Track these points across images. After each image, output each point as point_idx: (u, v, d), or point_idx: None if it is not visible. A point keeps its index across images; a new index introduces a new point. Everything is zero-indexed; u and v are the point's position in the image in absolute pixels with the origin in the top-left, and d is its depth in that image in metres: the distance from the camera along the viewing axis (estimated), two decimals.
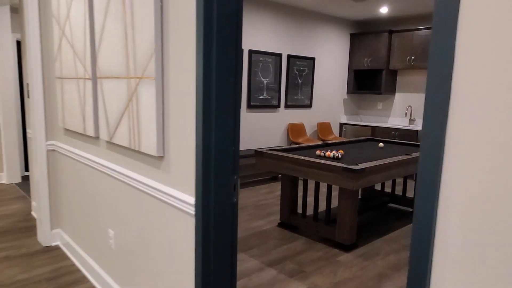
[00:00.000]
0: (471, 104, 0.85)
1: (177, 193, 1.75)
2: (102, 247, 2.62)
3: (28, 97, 3.78)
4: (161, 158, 1.86)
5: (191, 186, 1.68)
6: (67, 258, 3.13)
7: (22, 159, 5.82)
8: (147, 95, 1.83)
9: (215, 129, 1.59)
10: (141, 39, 1.83)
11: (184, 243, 1.76)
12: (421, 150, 0.95)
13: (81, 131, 2.63)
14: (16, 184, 5.43)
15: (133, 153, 2.10)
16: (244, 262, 3.13)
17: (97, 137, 2.51)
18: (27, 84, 3.83)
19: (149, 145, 1.86)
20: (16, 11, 5.46)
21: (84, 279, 2.79)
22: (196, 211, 1.64)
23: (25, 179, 5.64)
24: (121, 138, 2.11)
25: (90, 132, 2.49)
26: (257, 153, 3.84)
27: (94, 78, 2.38)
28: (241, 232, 3.80)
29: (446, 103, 0.89)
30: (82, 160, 2.75)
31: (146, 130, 1.87)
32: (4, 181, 5.47)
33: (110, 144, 2.34)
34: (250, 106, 6.02)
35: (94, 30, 2.33)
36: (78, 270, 2.91)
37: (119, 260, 2.41)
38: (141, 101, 1.89)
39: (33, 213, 4.19)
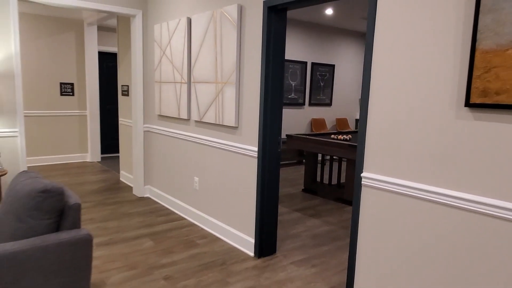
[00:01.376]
0: (379, 87, 2.21)
1: (246, 146, 3.17)
2: (188, 190, 4.08)
3: (127, 95, 5.31)
4: (236, 128, 3.29)
5: (255, 141, 3.09)
6: (157, 203, 4.60)
7: (99, 143, 7.42)
8: (229, 92, 3.26)
9: (269, 111, 3.00)
10: (227, 61, 3.26)
11: (250, 174, 3.18)
12: (360, 111, 2.31)
13: (175, 116, 4.09)
14: (98, 162, 7.02)
15: (217, 126, 3.54)
16: (278, 208, 4.52)
17: (188, 119, 3.96)
18: (123, 85, 5.35)
19: (230, 120, 3.29)
20: (101, 28, 7.06)
21: (172, 212, 4.24)
22: (258, 155, 3.06)
23: (103, 159, 7.23)
24: (209, 118, 3.56)
25: (184, 116, 3.95)
26: (288, 136, 5.23)
27: (189, 83, 3.84)
28: None
29: (367, 89, 2.25)
30: (172, 135, 4.22)
31: (228, 111, 3.30)
32: (88, 160, 7.08)
33: (199, 122, 3.79)
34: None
35: (191, 53, 3.79)
36: (167, 208, 4.38)
37: (201, 196, 3.85)
38: (225, 96, 3.32)
39: (121, 179, 5.72)
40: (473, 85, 1.79)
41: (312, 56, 7.77)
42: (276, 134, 3.10)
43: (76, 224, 1.99)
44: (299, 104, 7.71)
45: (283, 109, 7.52)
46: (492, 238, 1.77)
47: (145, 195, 4.91)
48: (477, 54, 1.77)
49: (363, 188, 2.32)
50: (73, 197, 2.03)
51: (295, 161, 7.54)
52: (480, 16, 1.75)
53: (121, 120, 5.55)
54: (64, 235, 1.89)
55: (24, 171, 2.22)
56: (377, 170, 2.24)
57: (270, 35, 2.95)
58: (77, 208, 1.99)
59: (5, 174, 3.58)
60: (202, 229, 3.78)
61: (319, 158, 6.85)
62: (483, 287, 1.81)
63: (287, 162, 7.46)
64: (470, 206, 1.82)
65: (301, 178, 6.13)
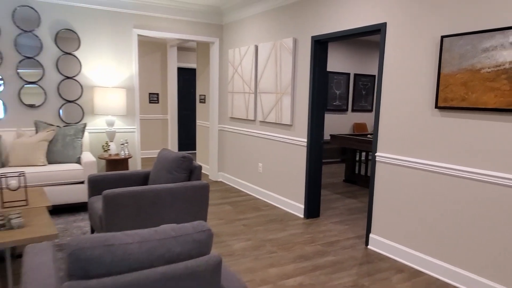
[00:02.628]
0: (386, 102, 3.41)
1: (298, 138, 4.45)
2: (253, 173, 5.41)
3: (204, 102, 6.79)
4: (291, 125, 4.58)
5: (304, 135, 4.36)
6: (228, 184, 5.98)
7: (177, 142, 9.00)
8: (286, 100, 4.57)
9: (315, 113, 4.26)
10: (284, 77, 4.57)
11: (301, 159, 4.45)
12: (375, 115, 3.51)
13: (244, 117, 5.46)
14: None
15: (276, 124, 4.85)
16: (322, 193, 5.72)
17: (254, 120, 5.31)
18: (201, 95, 6.84)
19: (286, 120, 4.59)
20: (180, 49, 8.68)
21: (241, 190, 5.58)
22: (306, 145, 4.33)
23: None
24: (271, 118, 4.88)
25: (251, 117, 5.30)
26: (332, 136, 6.43)
27: (256, 93, 5.20)
28: (322, 180, 6.38)
29: (379, 100, 3.45)
30: (241, 132, 5.59)
31: (285, 113, 4.60)
32: None
33: (263, 122, 5.12)
34: (326, 110, 8.60)
35: (257, 71, 5.15)
36: (236, 188, 5.73)
37: (264, 177, 5.17)
38: (283, 102, 4.63)
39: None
40: (439, 95, 2.95)
41: (355, 68, 8.88)
42: (319, 129, 4.35)
43: (199, 177, 3.38)
44: (342, 110, 8.85)
45: (328, 114, 8.71)
46: (447, 188, 2.91)
47: (219, 180, 6.32)
48: (441, 76, 2.94)
49: (377, 163, 3.52)
50: (196, 163, 3.43)
51: (339, 159, 8.68)
52: (442, 53, 2.91)
53: (199, 122, 7.04)
54: (194, 183, 3.27)
55: (164, 148, 3.65)
56: (384, 150, 3.43)
57: (316, 60, 4.22)
58: (200, 168, 3.38)
59: (131, 157, 5.13)
60: (265, 200, 5.09)
61: (359, 156, 7.94)
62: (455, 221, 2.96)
63: (331, 160, 8.62)
64: (437, 169, 2.98)
65: (343, 172, 7.27)
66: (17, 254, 3.18)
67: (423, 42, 3.07)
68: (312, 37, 4.21)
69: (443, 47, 2.91)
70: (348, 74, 8.81)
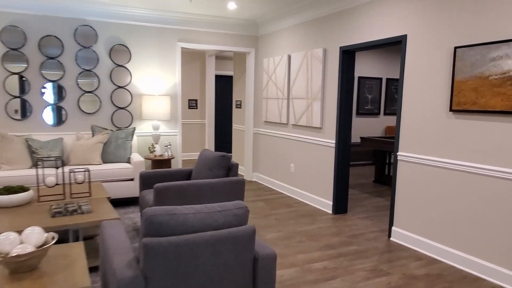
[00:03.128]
0: (408, 103, 3.71)
1: (327, 140, 4.81)
2: (286, 173, 5.81)
3: (240, 107, 7.27)
4: (320, 128, 4.95)
5: (333, 137, 4.72)
6: (262, 184, 6.40)
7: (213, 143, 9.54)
8: (316, 105, 4.94)
9: (343, 117, 4.61)
10: (315, 84, 4.95)
11: (330, 159, 4.80)
12: (397, 116, 3.81)
13: (277, 121, 5.87)
14: None
15: (307, 127, 5.23)
16: (350, 193, 6.02)
17: (286, 123, 5.71)
18: (237, 101, 7.33)
19: (316, 123, 4.96)
20: (217, 57, 9.24)
21: (274, 189, 5.98)
22: (335, 146, 4.68)
23: None
24: (302, 122, 5.26)
25: (284, 121, 5.71)
26: (362, 138, 6.71)
27: (288, 98, 5.61)
28: (350, 180, 6.68)
29: (401, 103, 3.76)
30: (274, 135, 6.00)
31: (315, 117, 4.98)
32: None
33: (295, 125, 5.51)
34: (358, 114, 8.86)
35: (290, 78, 5.56)
36: (270, 187, 6.14)
37: (295, 177, 5.55)
38: (314, 107, 5.01)
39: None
40: (453, 99, 3.24)
41: (387, 73, 9.08)
42: (347, 131, 4.69)
43: (236, 174, 3.83)
44: (374, 113, 9.07)
45: (360, 118, 8.96)
46: (461, 183, 3.19)
47: (253, 179, 6.76)
48: (455, 82, 3.22)
49: (398, 162, 3.82)
50: (234, 161, 3.87)
51: (370, 161, 8.89)
52: (455, 62, 3.21)
53: (235, 126, 7.53)
54: (232, 178, 3.72)
55: (204, 148, 4.13)
56: (405, 150, 3.73)
57: (343, 68, 4.58)
58: (236, 166, 3.83)
59: (173, 158, 5.67)
60: (296, 198, 5.47)
61: (388, 158, 8.13)
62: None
63: (363, 162, 8.85)
64: (452, 167, 3.26)
65: (373, 173, 7.50)
66: (84, 236, 3.75)
67: (439, 52, 3.37)
68: (340, 47, 4.57)
69: (456, 57, 3.20)
70: (380, 79, 9.03)
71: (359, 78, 8.78)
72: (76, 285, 1.61)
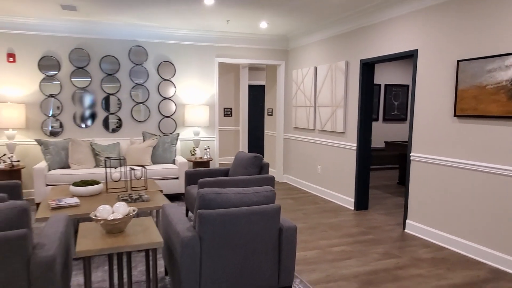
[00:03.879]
0: (419, 107, 4.20)
1: (350, 143, 5.34)
2: (313, 174, 6.36)
3: (271, 115, 7.91)
4: (343, 133, 5.48)
5: (354, 140, 5.24)
6: (291, 184, 6.97)
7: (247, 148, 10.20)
8: (340, 111, 5.49)
9: (363, 122, 5.13)
10: (338, 93, 5.51)
11: (352, 160, 5.33)
12: (409, 115, 4.30)
13: (305, 127, 6.45)
14: None
15: (332, 132, 5.77)
16: (373, 193, 6.47)
17: (313, 129, 6.28)
18: (269, 108, 7.96)
19: (340, 128, 5.50)
20: (250, 68, 9.94)
21: (302, 189, 6.54)
22: (356, 148, 5.20)
23: None
24: (327, 127, 5.82)
25: (311, 127, 6.28)
26: (386, 143, 7.15)
27: (315, 106, 6.18)
28: (375, 182, 7.12)
29: (413, 108, 4.25)
30: (303, 140, 6.57)
31: (339, 123, 5.52)
32: None
33: (321, 130, 6.07)
34: (385, 120, 9.26)
35: (316, 88, 6.13)
36: (298, 187, 6.70)
37: (322, 177, 6.09)
38: (337, 114, 5.55)
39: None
40: (457, 106, 3.71)
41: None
42: (367, 135, 5.19)
43: (267, 172, 4.45)
44: (401, 119, 9.43)
45: (387, 123, 9.35)
46: (465, 179, 3.64)
47: (283, 180, 7.35)
48: (458, 91, 3.70)
49: (411, 162, 4.31)
50: (265, 161, 4.49)
51: (397, 165, 9.25)
52: (458, 73, 3.69)
53: (267, 132, 8.16)
54: (263, 175, 4.34)
55: (240, 151, 4.78)
56: (417, 151, 4.22)
57: (364, 78, 5.11)
58: (267, 165, 4.45)
59: (211, 160, 6.37)
60: (322, 196, 6.01)
61: None
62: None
63: (388, 165, 9.22)
64: (457, 165, 3.73)
65: (397, 177, 7.89)
66: None
67: (445, 65, 3.86)
68: (361, 60, 5.11)
69: (459, 69, 3.68)
70: (407, 86, 9.40)
71: (386, 85, 9.19)
72: (153, 241, 2.27)
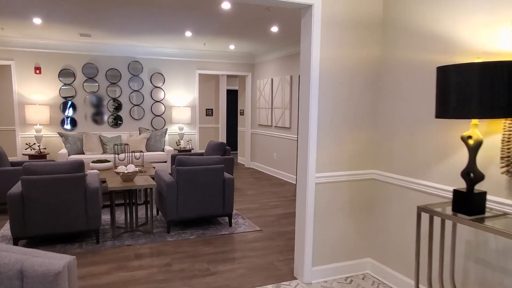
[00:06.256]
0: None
1: (293, 135, 7.24)
2: (271, 160, 8.23)
3: (242, 114, 9.77)
4: (289, 128, 7.38)
5: (295, 133, 7.15)
6: (256, 169, 8.83)
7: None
8: (287, 112, 7.38)
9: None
10: (286, 98, 7.40)
11: (294, 148, 7.23)
12: None
13: (265, 123, 8.32)
14: None
15: (282, 128, 7.66)
16: None
17: (271, 125, 8.15)
18: (241, 109, 9.84)
19: (287, 124, 7.40)
20: (229, 76, 11.79)
21: (263, 172, 8.41)
22: (297, 139, 7.11)
23: None
24: (280, 124, 7.71)
25: (269, 123, 8.16)
26: None
27: (271, 107, 8.07)
28: None
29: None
30: (263, 134, 8.44)
31: (287, 121, 7.41)
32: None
33: (276, 126, 7.95)
34: None
35: (272, 93, 8.02)
36: (261, 171, 8.56)
37: (277, 162, 7.98)
38: (285, 114, 7.45)
39: (238, 161, 10.15)
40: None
41: None
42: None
43: (229, 154, 6.32)
44: None
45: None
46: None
47: (251, 166, 9.23)
48: None
49: None
50: (227, 147, 6.37)
51: None
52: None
53: (239, 128, 10.02)
54: (225, 156, 6.20)
55: (211, 140, 6.65)
56: None
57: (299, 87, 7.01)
58: (229, 150, 6.32)
59: (193, 149, 8.21)
60: (275, 176, 7.88)
61: None
62: None
63: None
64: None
65: None
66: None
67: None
68: (299, 75, 7.00)
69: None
70: None
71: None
72: (150, 183, 4.11)
